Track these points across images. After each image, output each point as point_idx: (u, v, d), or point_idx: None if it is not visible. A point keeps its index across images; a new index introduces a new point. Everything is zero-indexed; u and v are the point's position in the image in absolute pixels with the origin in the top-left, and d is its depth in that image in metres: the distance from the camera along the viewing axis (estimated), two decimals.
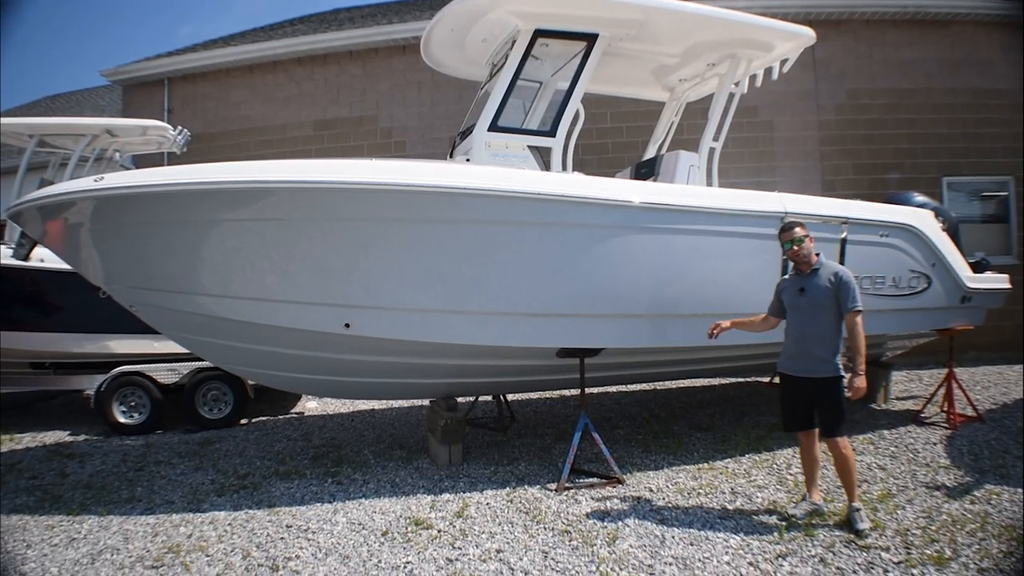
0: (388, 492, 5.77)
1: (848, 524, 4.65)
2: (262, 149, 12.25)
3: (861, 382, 4.65)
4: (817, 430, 4.89)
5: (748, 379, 10.17)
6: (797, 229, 4.91)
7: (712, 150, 6.74)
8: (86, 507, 5.64)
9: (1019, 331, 11.59)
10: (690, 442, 7.00)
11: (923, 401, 8.09)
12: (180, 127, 10.46)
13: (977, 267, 7.84)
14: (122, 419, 8.32)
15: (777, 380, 6.48)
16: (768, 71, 7.24)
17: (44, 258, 8.16)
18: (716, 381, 10.13)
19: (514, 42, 6.12)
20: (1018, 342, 11.58)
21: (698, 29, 6.58)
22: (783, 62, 7.12)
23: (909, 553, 4.25)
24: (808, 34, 6.81)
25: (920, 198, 7.87)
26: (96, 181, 5.43)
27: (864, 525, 4.58)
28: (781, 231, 5.02)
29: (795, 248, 4.89)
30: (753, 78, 7.29)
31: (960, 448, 6.50)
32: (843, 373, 4.77)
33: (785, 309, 5.05)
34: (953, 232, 7.68)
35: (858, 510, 4.69)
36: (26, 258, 8.17)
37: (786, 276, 5.25)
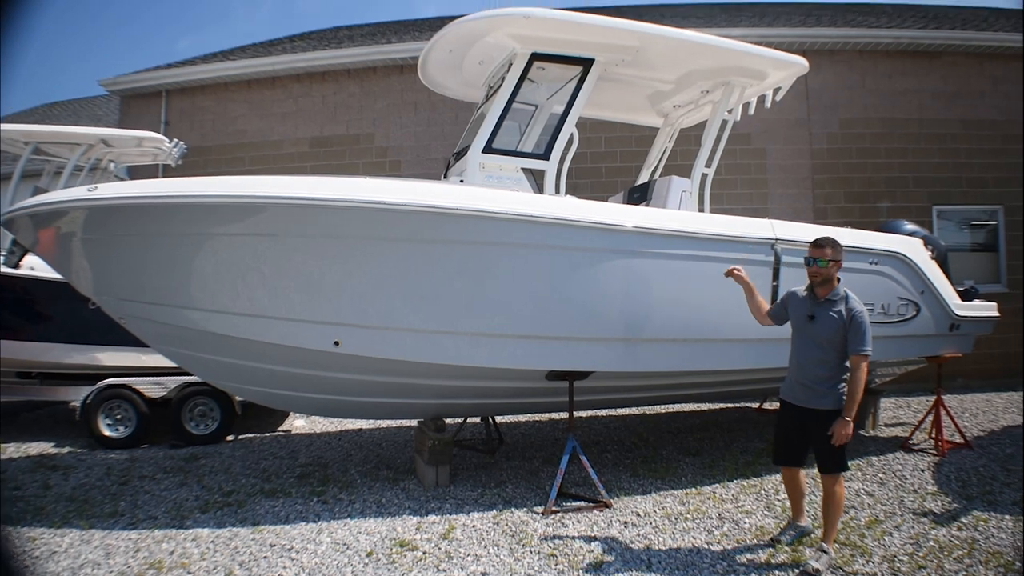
0: (374, 512, 5.73)
1: (810, 556, 4.51)
2: (258, 164, 12.23)
3: (848, 428, 4.41)
4: (801, 469, 4.78)
5: (738, 404, 10.17)
6: (828, 250, 4.63)
7: (705, 176, 6.79)
8: (68, 520, 5.59)
9: (1008, 359, 11.64)
10: (679, 467, 6.99)
11: (911, 428, 8.10)
12: (176, 139, 10.45)
13: (966, 295, 7.89)
14: (107, 432, 8.25)
15: (768, 406, 6.50)
16: (761, 99, 7.30)
17: (35, 266, 8.13)
18: (705, 406, 10.13)
19: (511, 65, 6.18)
20: (1007, 369, 11.66)
21: (693, 56, 6.64)
22: (776, 90, 7.19)
23: None
24: (801, 63, 6.88)
25: (910, 226, 7.92)
26: (90, 191, 5.43)
27: (818, 566, 4.33)
28: (811, 244, 4.73)
29: (816, 267, 4.63)
30: (746, 106, 7.37)
31: (948, 475, 6.52)
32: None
33: (786, 320, 4.86)
34: (942, 260, 7.74)
35: (825, 552, 4.47)
36: (16, 266, 8.14)
37: (797, 290, 4.90)
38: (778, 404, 4.96)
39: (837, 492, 4.56)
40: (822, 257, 4.62)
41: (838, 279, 4.70)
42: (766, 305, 5.11)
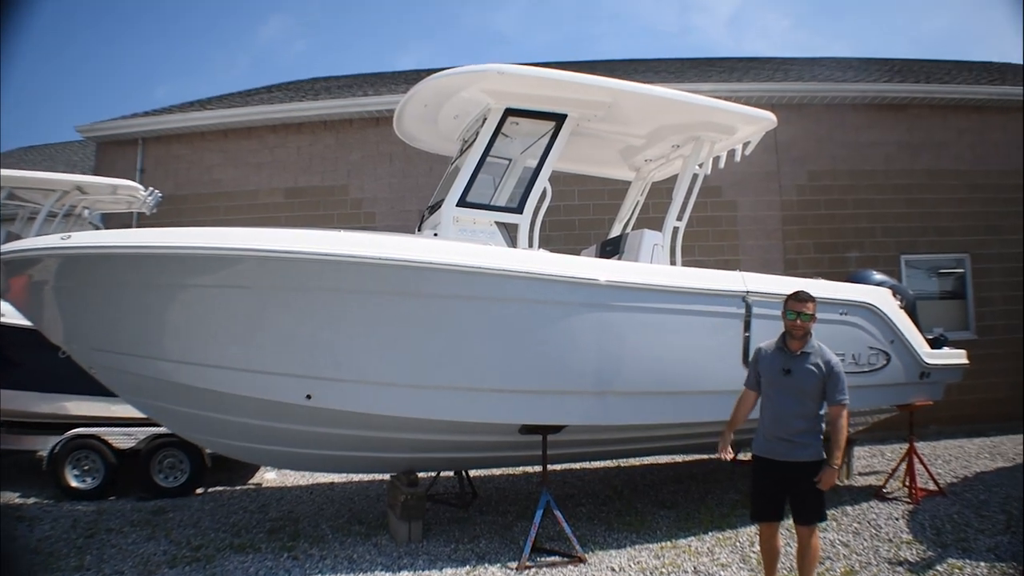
0: (345, 569, 5.64)
1: None
2: (232, 214, 12.20)
3: (833, 476, 4.42)
4: (779, 524, 4.70)
5: (712, 456, 10.13)
6: (809, 304, 4.64)
7: (676, 229, 6.88)
8: (32, 573, 5.48)
9: (979, 404, 11.79)
10: (654, 520, 6.95)
11: (885, 476, 8.13)
12: (151, 188, 10.44)
13: (935, 343, 7.98)
14: (75, 483, 8.10)
15: (742, 456, 6.50)
16: (731, 153, 7.45)
17: (4, 312, 8.02)
18: (680, 457, 10.10)
19: (485, 119, 6.28)
20: (978, 416, 11.82)
21: (664, 112, 6.79)
22: (745, 144, 7.33)
23: None
24: (769, 118, 7.04)
25: (879, 276, 8.04)
26: (63, 239, 5.42)
27: None
28: (792, 298, 4.71)
29: (798, 322, 4.61)
30: (716, 159, 7.50)
31: (922, 522, 6.55)
32: (825, 456, 4.54)
33: (761, 384, 4.77)
34: (911, 310, 7.85)
35: None
36: None
37: (763, 346, 4.85)
38: (751, 459, 4.86)
39: (813, 544, 4.56)
40: (805, 311, 4.62)
41: (809, 333, 4.70)
42: (743, 406, 4.96)
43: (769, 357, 4.73)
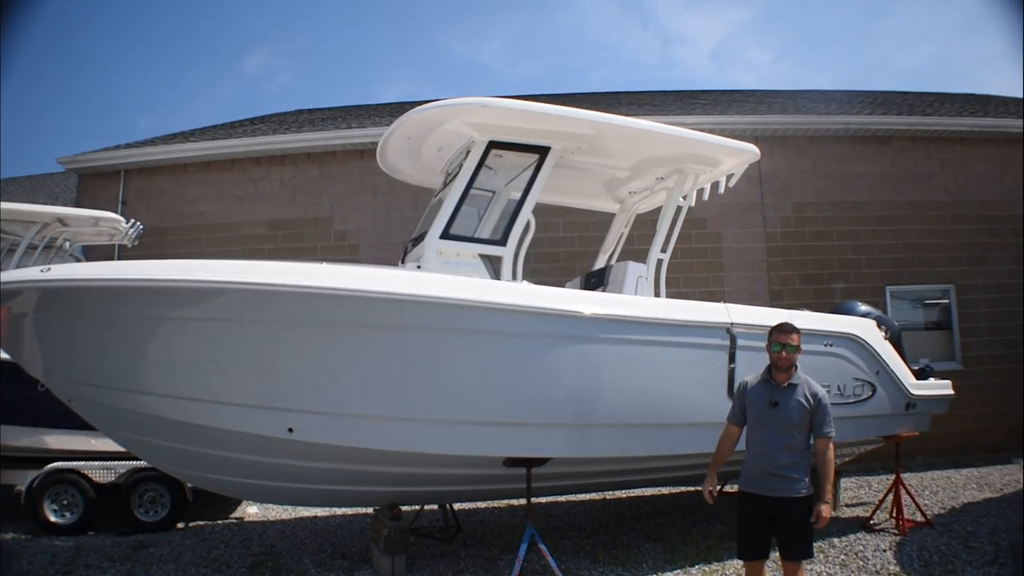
0: None
1: None
2: (215, 246, 12.17)
3: (827, 510, 4.42)
4: (765, 560, 4.63)
5: (698, 488, 10.08)
6: (794, 336, 4.62)
7: (660, 261, 6.89)
8: None
9: (965, 435, 11.82)
10: (639, 553, 6.90)
11: (872, 507, 8.13)
12: (133, 220, 10.41)
13: (921, 374, 8.00)
14: (53, 518, 8.03)
15: (728, 488, 6.47)
16: (715, 185, 7.49)
17: None
18: (666, 489, 10.05)
19: (469, 152, 6.31)
20: (965, 446, 11.85)
21: (647, 145, 6.84)
22: (729, 176, 7.38)
23: None
24: (753, 150, 7.10)
25: (864, 307, 8.08)
26: (43, 272, 5.37)
27: None
28: (777, 330, 4.69)
29: (783, 354, 4.58)
30: (700, 191, 7.55)
31: (910, 554, 6.54)
32: (812, 492, 4.54)
33: (747, 418, 4.72)
34: (896, 340, 7.87)
35: None
36: None
37: (748, 379, 4.81)
38: (738, 493, 4.80)
39: None
40: (790, 343, 4.59)
41: (795, 366, 4.67)
42: (727, 442, 4.92)
43: (755, 390, 4.68)
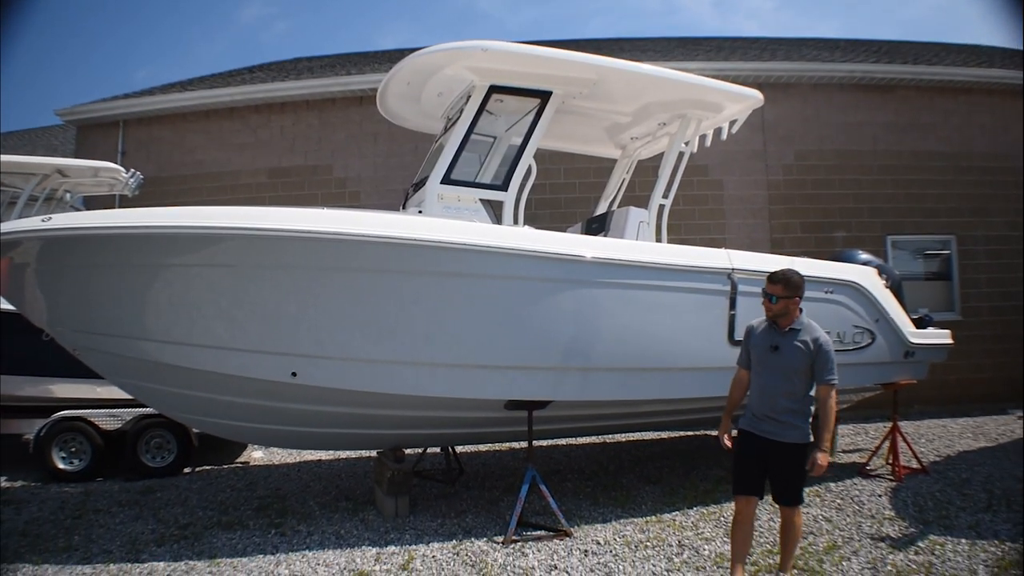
0: (333, 544, 5.67)
1: None
2: (216, 195, 12.13)
3: (825, 459, 4.32)
4: (758, 500, 4.55)
5: (697, 432, 10.23)
6: (779, 287, 4.50)
7: (662, 207, 6.88)
8: (20, 555, 5.47)
9: (962, 385, 11.94)
10: (639, 495, 7.00)
11: (868, 454, 8.22)
12: (133, 170, 10.38)
13: (920, 323, 8.02)
14: (61, 465, 8.14)
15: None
16: (718, 131, 7.44)
17: None
18: (665, 434, 10.17)
19: (469, 97, 6.25)
20: (961, 396, 11.98)
21: (650, 89, 6.77)
22: (732, 123, 7.33)
23: None
24: (756, 96, 7.03)
25: (865, 256, 8.07)
26: (44, 221, 5.38)
27: None
28: (773, 279, 4.56)
29: (767, 304, 4.53)
30: (703, 138, 7.49)
31: (905, 500, 6.61)
32: (811, 440, 4.43)
33: (752, 361, 4.66)
34: (896, 289, 7.88)
35: None
36: None
37: (755, 323, 4.74)
38: (737, 432, 4.73)
39: (796, 522, 4.51)
40: (774, 294, 4.48)
41: (800, 309, 4.56)
42: (738, 386, 4.83)
43: (759, 334, 4.63)
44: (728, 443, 4.69)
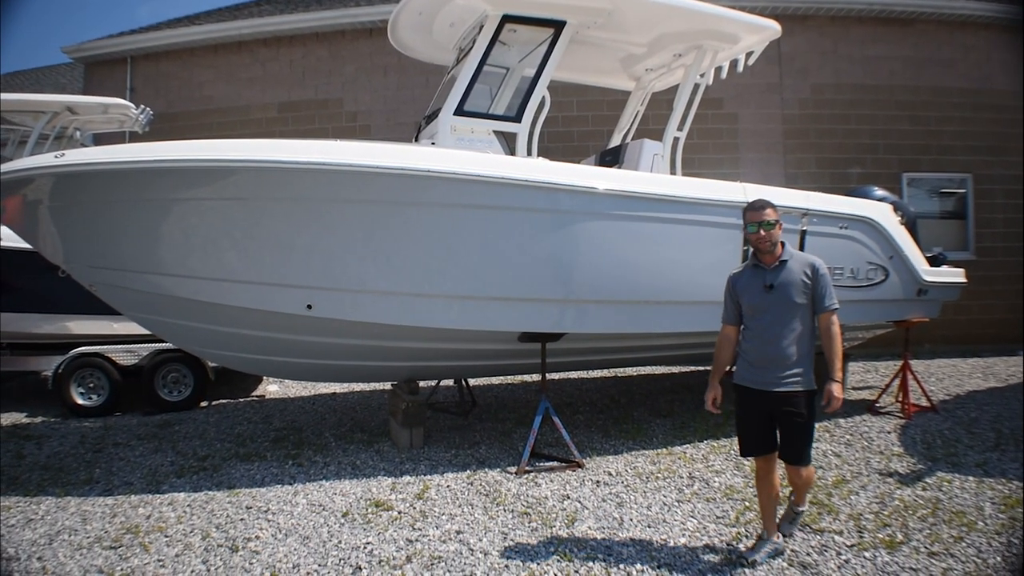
0: (349, 474, 5.77)
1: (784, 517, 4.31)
2: (225, 130, 12.06)
3: (839, 390, 3.91)
4: (776, 457, 4.13)
5: (708, 367, 10.27)
6: (768, 211, 4.04)
7: (676, 140, 6.79)
8: (43, 488, 5.58)
9: (973, 325, 11.92)
10: (650, 428, 7.09)
11: (879, 391, 8.26)
12: (142, 106, 10.31)
13: (934, 261, 7.97)
14: (80, 401, 8.25)
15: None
16: (734, 63, 7.27)
17: (1, 236, 8.00)
18: (676, 368, 10.24)
19: (482, 27, 6.12)
20: (972, 335, 12.00)
21: (665, 19, 6.61)
22: (748, 55, 7.18)
23: (862, 537, 4.36)
24: (774, 27, 6.87)
25: (880, 192, 7.98)
26: (56, 157, 5.36)
27: (788, 531, 4.25)
28: (748, 209, 4.13)
29: (762, 233, 4.01)
30: (719, 70, 7.33)
31: (913, 437, 6.64)
32: (815, 388, 4.03)
33: (743, 311, 4.18)
34: (911, 226, 7.80)
35: (798, 513, 4.29)
36: None
37: (735, 271, 4.32)
38: (734, 389, 4.25)
39: (805, 474, 4.14)
40: (767, 220, 4.02)
41: (782, 243, 4.12)
42: (726, 345, 4.31)
43: (744, 280, 4.18)
44: (714, 409, 4.27)
